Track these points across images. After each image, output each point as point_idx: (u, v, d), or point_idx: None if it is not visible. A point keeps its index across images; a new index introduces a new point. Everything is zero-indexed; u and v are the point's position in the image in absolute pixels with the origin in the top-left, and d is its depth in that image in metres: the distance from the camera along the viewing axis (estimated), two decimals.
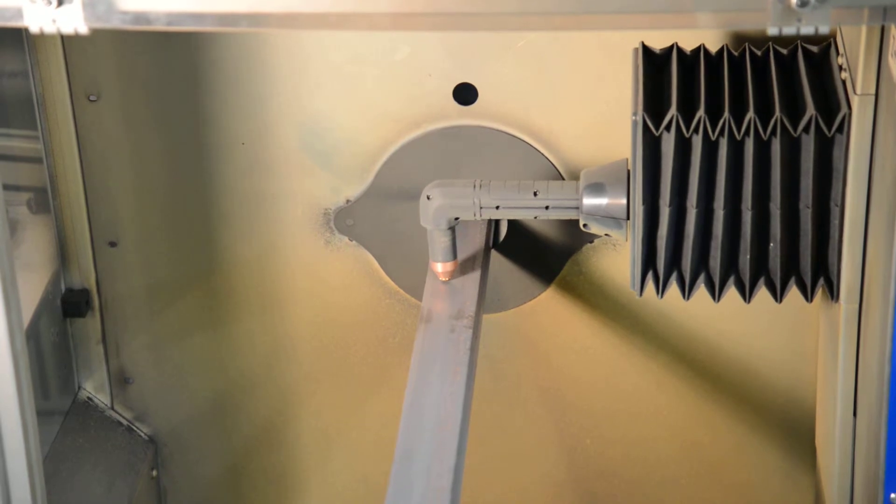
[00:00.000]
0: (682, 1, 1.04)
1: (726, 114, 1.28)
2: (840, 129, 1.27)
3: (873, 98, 1.23)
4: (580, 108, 1.52)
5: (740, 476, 1.67)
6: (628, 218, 1.36)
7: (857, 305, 1.30)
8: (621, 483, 1.69)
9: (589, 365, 1.64)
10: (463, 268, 1.49)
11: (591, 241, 1.58)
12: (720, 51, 1.37)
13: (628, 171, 1.36)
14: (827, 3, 1.02)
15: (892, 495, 1.24)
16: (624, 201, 1.37)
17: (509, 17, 1.06)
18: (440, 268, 1.47)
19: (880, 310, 1.20)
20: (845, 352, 1.31)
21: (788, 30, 1.03)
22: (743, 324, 1.60)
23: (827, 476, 1.43)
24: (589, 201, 1.39)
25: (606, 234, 1.40)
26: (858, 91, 1.23)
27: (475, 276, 1.47)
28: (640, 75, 1.33)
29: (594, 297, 1.61)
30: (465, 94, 1.53)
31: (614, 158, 1.52)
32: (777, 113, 1.28)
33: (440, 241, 1.46)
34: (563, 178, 1.54)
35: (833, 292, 1.33)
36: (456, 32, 1.50)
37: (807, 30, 1.03)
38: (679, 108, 1.29)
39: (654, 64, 1.36)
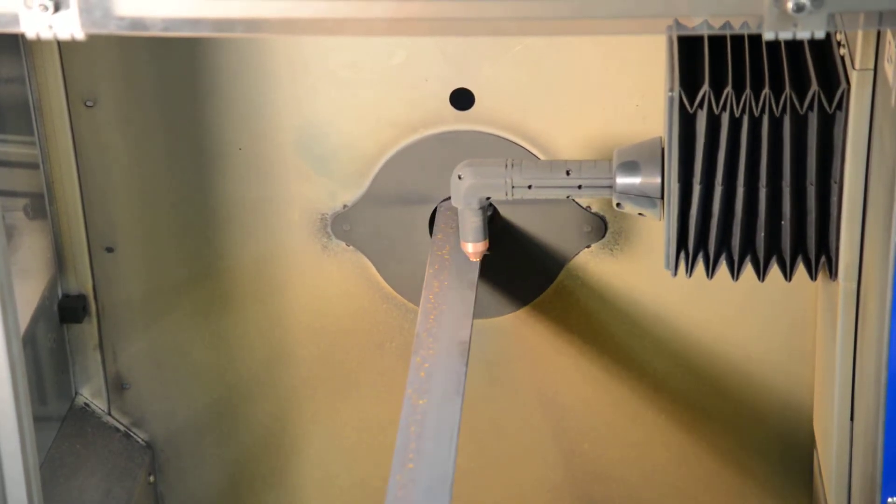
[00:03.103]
0: (678, 5, 1.04)
1: (748, 90, 1.27)
2: (840, 106, 1.26)
3: (872, 73, 1.22)
4: (577, 113, 1.52)
5: (738, 480, 1.67)
6: (662, 197, 1.36)
7: (855, 284, 1.28)
8: (619, 487, 1.69)
9: (586, 369, 1.64)
10: (455, 282, 1.48)
11: (589, 246, 1.58)
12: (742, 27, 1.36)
13: (662, 150, 1.35)
14: (823, 7, 1.02)
15: (890, 499, 1.24)
16: (658, 180, 1.35)
17: (506, 22, 1.06)
18: (471, 248, 1.47)
19: (878, 289, 1.19)
20: (843, 333, 1.29)
21: (784, 34, 1.03)
22: (741, 328, 1.60)
23: (824, 479, 1.43)
24: (622, 180, 1.37)
25: (640, 214, 1.39)
26: (857, 66, 1.22)
27: (468, 294, 1.47)
28: (675, 52, 1.32)
29: (591, 302, 1.61)
30: (461, 99, 1.53)
31: None
32: (787, 89, 1.27)
33: (471, 220, 1.45)
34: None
35: (832, 270, 1.33)
36: (453, 38, 1.50)
37: (803, 34, 1.03)
38: (710, 86, 1.28)
39: (685, 39, 1.35)
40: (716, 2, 1.04)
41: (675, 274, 1.36)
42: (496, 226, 1.57)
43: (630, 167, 1.37)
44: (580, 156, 1.54)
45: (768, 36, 1.04)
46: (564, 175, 1.40)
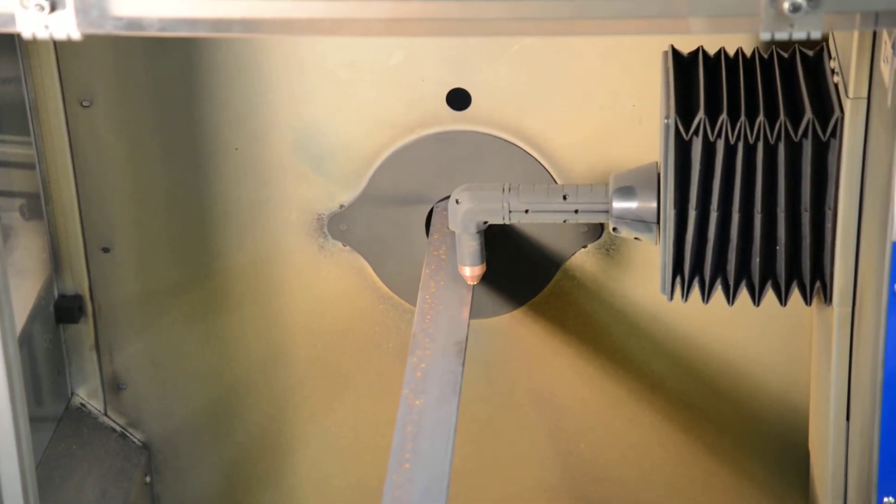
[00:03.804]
0: (675, 5, 1.04)
1: (742, 118, 1.29)
2: (834, 133, 1.27)
3: (865, 101, 1.23)
4: (574, 114, 1.52)
5: (734, 480, 1.67)
6: (658, 222, 1.36)
7: (849, 309, 1.30)
8: (616, 487, 1.69)
9: (583, 369, 1.64)
10: (451, 282, 1.49)
11: (585, 246, 1.58)
12: (736, 54, 1.38)
13: (658, 175, 1.36)
14: (819, 8, 1.02)
15: (886, 499, 1.25)
16: (654, 205, 1.37)
17: (503, 22, 1.06)
18: (468, 272, 1.48)
19: (873, 313, 1.21)
20: (838, 355, 1.31)
21: (781, 35, 1.03)
22: (737, 329, 1.60)
23: (821, 479, 1.43)
24: (619, 205, 1.38)
25: (636, 238, 1.40)
26: (851, 95, 1.23)
27: (465, 294, 1.47)
28: (670, 79, 1.33)
29: (588, 302, 1.61)
30: (458, 99, 1.53)
31: (608, 163, 1.53)
32: (781, 117, 1.28)
33: (468, 245, 1.46)
34: (557, 184, 1.54)
35: (826, 295, 1.34)
36: (450, 38, 1.50)
37: (799, 35, 1.03)
38: (705, 112, 1.29)
39: (681, 66, 1.37)
40: (713, 2, 1.04)
41: (671, 299, 1.37)
42: (493, 226, 1.57)
43: (626, 192, 1.38)
44: (577, 155, 1.54)
45: (764, 36, 1.04)
46: (561, 199, 1.42)
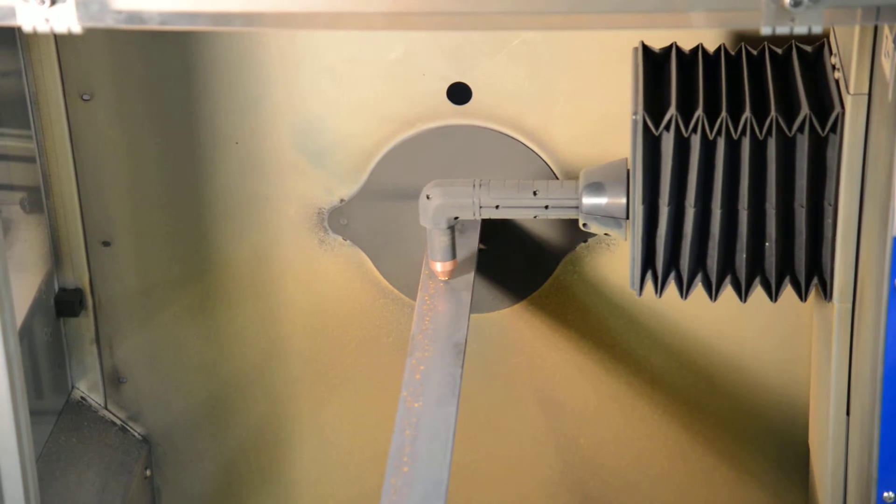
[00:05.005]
0: (676, 0, 1.04)
1: (723, 113, 1.29)
2: (833, 129, 1.27)
3: (866, 98, 1.23)
4: (574, 108, 1.52)
5: (734, 475, 1.67)
6: (628, 217, 1.36)
7: (850, 305, 1.30)
8: (615, 482, 1.69)
9: (582, 364, 1.64)
10: (450, 284, 1.49)
11: (586, 241, 1.58)
12: (718, 50, 1.38)
13: (628, 171, 1.36)
14: (820, 2, 1.02)
15: (885, 493, 1.25)
16: (623, 201, 1.37)
17: (503, 16, 1.06)
18: (439, 267, 1.48)
19: (873, 309, 1.21)
20: (838, 351, 1.31)
21: (782, 29, 1.03)
22: (737, 324, 1.60)
23: (821, 475, 1.43)
24: (588, 201, 1.39)
25: (606, 234, 1.40)
26: (851, 91, 1.23)
27: (464, 296, 1.47)
28: (640, 75, 1.33)
29: (588, 297, 1.61)
30: (458, 93, 1.53)
31: (608, 157, 1.53)
32: (772, 112, 1.28)
33: (439, 240, 1.46)
34: (557, 177, 1.54)
35: (826, 292, 1.34)
36: (450, 32, 1.50)
37: (800, 29, 1.03)
38: (678, 108, 1.29)
39: (653, 63, 1.37)
40: None
41: (640, 294, 1.37)
42: (493, 220, 1.57)
43: (596, 188, 1.38)
44: (577, 149, 1.54)
45: (766, 31, 1.04)
46: (531, 195, 1.42)
